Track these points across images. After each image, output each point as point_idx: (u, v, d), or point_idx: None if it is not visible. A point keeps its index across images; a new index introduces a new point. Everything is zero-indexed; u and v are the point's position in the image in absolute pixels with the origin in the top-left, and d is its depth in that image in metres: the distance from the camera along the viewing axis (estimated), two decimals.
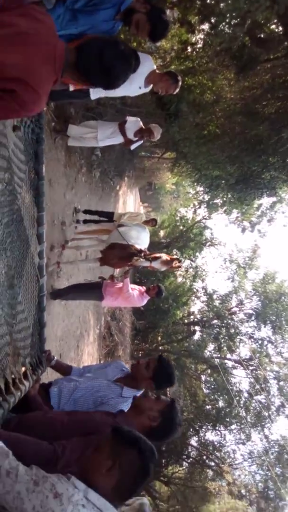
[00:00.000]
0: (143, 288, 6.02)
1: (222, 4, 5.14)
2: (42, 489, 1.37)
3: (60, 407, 2.46)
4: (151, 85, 4.15)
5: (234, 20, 5.38)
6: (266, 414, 20.13)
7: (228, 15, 4.78)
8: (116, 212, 7.58)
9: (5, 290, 2.21)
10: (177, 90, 4.29)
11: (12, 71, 1.50)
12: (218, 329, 21.58)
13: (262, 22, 5.78)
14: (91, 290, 5.96)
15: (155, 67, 4.08)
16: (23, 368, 2.40)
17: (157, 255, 6.13)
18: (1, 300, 2.14)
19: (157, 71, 4.11)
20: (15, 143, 2.31)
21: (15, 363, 2.34)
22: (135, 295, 5.77)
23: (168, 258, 6.18)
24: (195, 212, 24.71)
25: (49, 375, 4.00)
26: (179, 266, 6.90)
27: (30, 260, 2.54)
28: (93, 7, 2.56)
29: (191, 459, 21.44)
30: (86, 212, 7.25)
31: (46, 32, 1.62)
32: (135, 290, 5.92)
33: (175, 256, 7.44)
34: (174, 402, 2.20)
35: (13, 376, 2.22)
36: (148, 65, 3.98)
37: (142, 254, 5.75)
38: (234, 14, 4.87)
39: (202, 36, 7.53)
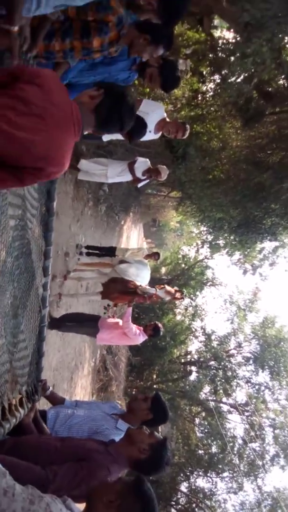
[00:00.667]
0: (140, 327, 5.93)
1: (231, 58, 5.49)
2: (37, 508, 1.39)
3: (54, 430, 2.53)
4: (160, 132, 4.40)
5: (241, 77, 5.74)
6: (260, 463, 19.51)
7: (236, 73, 5.12)
8: (119, 248, 7.74)
9: (9, 319, 2.31)
10: (186, 135, 4.54)
11: (39, 151, 1.58)
12: (215, 371, 21.26)
13: (268, 79, 6.16)
14: (87, 322, 5.88)
15: (165, 115, 4.33)
16: (19, 396, 2.47)
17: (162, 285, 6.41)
18: (5, 329, 2.24)
19: (167, 119, 4.37)
20: None
21: (12, 390, 2.41)
22: (134, 329, 5.68)
23: (172, 290, 6.37)
24: (197, 251, 24.94)
25: (41, 405, 4.02)
26: (182, 298, 7.11)
27: (35, 291, 2.66)
28: (110, 59, 2.74)
29: (180, 506, 20.60)
30: (89, 247, 7.42)
31: (60, 99, 1.69)
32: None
33: (177, 288, 7.60)
34: (166, 440, 2.25)
35: (9, 403, 2.28)
36: (159, 112, 4.24)
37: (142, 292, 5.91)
38: (241, 72, 5.20)
39: (212, 86, 7.96)
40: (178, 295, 6.50)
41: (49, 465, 1.95)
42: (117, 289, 6.00)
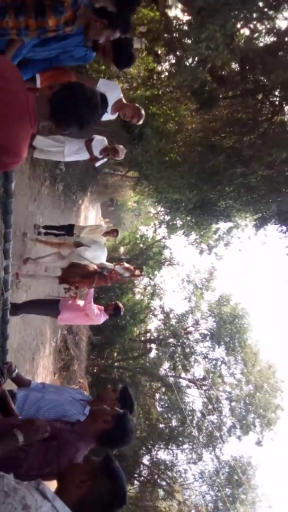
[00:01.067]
0: (101, 307, 5.98)
1: (185, 41, 5.51)
2: (12, 501, 1.39)
3: (23, 412, 2.58)
4: (117, 113, 4.40)
5: (195, 61, 5.78)
6: (218, 434, 20.41)
7: (190, 57, 5.15)
8: (77, 225, 7.70)
9: None
10: (141, 121, 4.56)
11: None
12: (173, 348, 21.80)
13: (222, 64, 6.24)
14: (48, 306, 5.89)
15: (121, 95, 4.32)
16: None
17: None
18: None
19: (123, 99, 4.36)
20: None
21: None
22: (95, 310, 5.71)
23: (131, 267, 6.46)
24: (155, 231, 25.17)
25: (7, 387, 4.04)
26: (141, 275, 7.23)
27: None
28: (64, 34, 2.71)
29: (142, 478, 21.29)
30: (47, 227, 7.33)
31: (15, 89, 1.65)
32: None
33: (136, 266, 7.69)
34: (127, 412, 2.37)
35: None
36: (116, 92, 4.22)
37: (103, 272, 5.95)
38: (195, 56, 5.24)
39: (167, 67, 7.96)
40: (137, 272, 6.60)
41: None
42: (78, 274, 6.03)
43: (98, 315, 5.75)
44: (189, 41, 4.97)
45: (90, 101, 1.80)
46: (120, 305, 5.98)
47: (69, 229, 7.28)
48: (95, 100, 1.82)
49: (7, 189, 2.67)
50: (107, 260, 6.75)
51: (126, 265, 6.41)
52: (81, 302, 5.86)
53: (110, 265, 6.19)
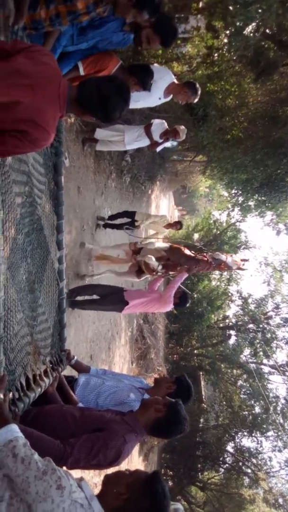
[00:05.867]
0: None
1: (232, 8, 5.14)
2: (48, 479, 1.50)
3: (84, 396, 2.65)
4: (171, 95, 4.28)
5: (249, 28, 5.41)
6: None
7: (240, 23, 4.81)
8: (139, 212, 7.41)
9: (26, 294, 2.39)
10: (197, 99, 4.39)
11: (23, 114, 1.65)
12: (253, 334, 21.25)
13: (284, 26, 5.75)
14: (110, 296, 5.42)
15: (173, 78, 4.19)
16: (44, 366, 2.57)
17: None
18: (22, 303, 2.32)
19: (176, 82, 4.23)
20: (34, 158, 2.49)
21: (36, 361, 2.52)
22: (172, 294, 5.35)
23: (238, 259, 6.10)
24: (229, 215, 24.51)
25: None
26: (245, 269, 6.72)
27: (50, 265, 2.72)
28: (100, 21, 2.69)
29: (227, 465, 21.18)
30: (110, 218, 7.22)
31: (50, 73, 1.78)
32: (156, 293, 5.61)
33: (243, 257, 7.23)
34: (179, 400, 2.30)
35: (34, 373, 2.39)
36: (167, 78, 4.11)
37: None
38: (246, 22, 4.89)
39: (227, 40, 7.57)
40: (242, 265, 6.15)
41: (68, 435, 2.06)
42: (184, 260, 5.72)
43: (170, 301, 5.40)
44: (236, 7, 4.63)
45: (114, 84, 1.84)
46: (188, 293, 5.70)
47: (131, 215, 7.05)
48: (121, 86, 1.86)
49: (57, 182, 2.70)
50: None
51: (235, 257, 6.07)
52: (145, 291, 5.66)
53: (223, 256, 5.85)
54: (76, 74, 2.91)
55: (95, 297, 5.49)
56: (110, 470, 1.95)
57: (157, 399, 2.28)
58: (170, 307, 5.66)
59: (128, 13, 2.43)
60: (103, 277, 6.58)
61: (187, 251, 5.95)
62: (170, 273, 6.03)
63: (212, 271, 6.28)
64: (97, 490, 1.70)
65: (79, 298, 5.46)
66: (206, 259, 5.74)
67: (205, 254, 5.98)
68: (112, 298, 5.33)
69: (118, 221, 7.27)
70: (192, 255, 5.84)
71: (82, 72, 2.91)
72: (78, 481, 1.61)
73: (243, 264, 6.18)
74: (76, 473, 1.85)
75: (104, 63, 2.96)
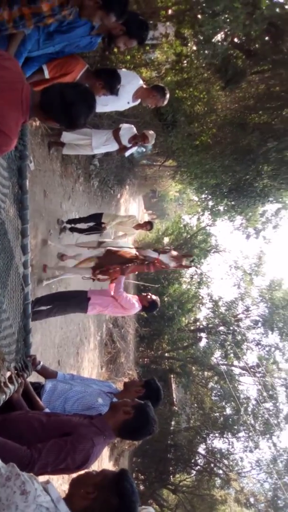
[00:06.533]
0: (135, 296, 5.41)
1: (201, 17, 5.24)
2: (12, 485, 1.46)
3: (51, 402, 2.61)
4: (139, 99, 4.32)
5: (218, 37, 5.52)
6: (274, 421, 20.01)
7: (208, 32, 4.91)
8: (106, 212, 7.17)
9: None
10: (165, 102, 4.45)
11: None
12: (224, 336, 21.55)
13: (252, 36, 5.91)
14: (74, 297, 5.19)
15: (141, 82, 4.23)
16: (8, 373, 2.53)
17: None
18: None
19: (144, 86, 4.27)
20: None
21: (0, 367, 2.47)
22: (127, 297, 5.15)
23: (178, 254, 5.73)
24: (199, 219, 24.82)
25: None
26: (189, 266, 6.39)
27: (15, 270, 2.67)
28: (68, 26, 2.69)
29: (198, 467, 21.34)
30: (70, 222, 6.89)
31: (12, 78, 1.77)
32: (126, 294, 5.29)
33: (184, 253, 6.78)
34: (148, 402, 2.31)
35: None
36: (134, 82, 4.15)
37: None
38: (213, 31, 4.99)
39: (195, 48, 7.70)
40: (185, 262, 5.89)
41: (35, 441, 2.03)
42: (117, 261, 5.49)
43: (132, 304, 5.17)
44: (205, 16, 4.71)
45: (78, 90, 1.86)
46: (158, 301, 5.34)
47: (97, 218, 6.78)
48: (86, 92, 1.88)
49: (21, 185, 2.67)
50: None
51: (174, 253, 5.68)
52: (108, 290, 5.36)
53: (154, 253, 5.61)
54: (41, 77, 2.89)
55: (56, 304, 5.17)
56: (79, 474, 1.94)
57: (126, 401, 2.28)
58: (135, 310, 5.37)
59: (94, 15, 2.42)
60: (70, 280, 6.44)
61: (125, 253, 5.67)
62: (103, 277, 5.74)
63: (152, 271, 5.96)
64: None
65: (42, 308, 5.14)
66: (140, 257, 5.56)
67: (136, 253, 5.72)
68: (75, 300, 5.11)
69: (82, 225, 6.99)
70: (126, 256, 5.59)
71: (47, 75, 2.89)
72: (44, 485, 1.57)
73: (188, 261, 6.01)
74: (45, 478, 1.83)
75: (70, 67, 2.96)
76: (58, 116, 1.84)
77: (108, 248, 5.81)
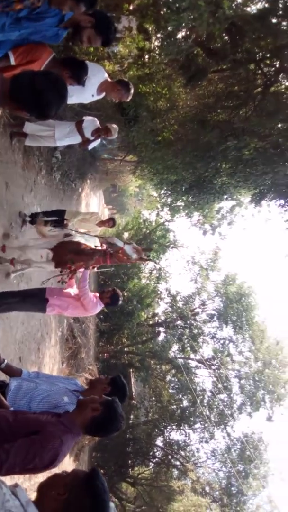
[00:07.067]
0: (96, 294, 5.15)
1: (167, 12, 5.31)
2: None
3: (16, 402, 2.56)
4: (104, 92, 4.29)
5: (181, 33, 5.59)
6: (229, 412, 20.64)
7: (172, 28, 4.97)
8: (69, 210, 6.96)
9: None
10: (130, 97, 4.45)
11: None
12: (181, 330, 21.94)
13: (213, 34, 6.02)
14: (31, 296, 4.93)
15: (106, 76, 4.21)
16: None
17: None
18: None
19: (109, 79, 4.25)
20: None
21: None
22: (91, 296, 4.93)
23: (139, 247, 5.62)
24: (158, 214, 25.02)
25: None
26: (148, 259, 6.34)
27: None
28: (37, 15, 2.64)
29: (156, 459, 21.68)
30: (33, 216, 6.65)
31: None
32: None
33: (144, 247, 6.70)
34: (115, 398, 2.33)
35: None
36: (100, 75, 4.12)
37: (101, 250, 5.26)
38: (177, 27, 5.06)
39: (158, 44, 7.75)
40: (144, 255, 5.77)
41: (2, 440, 1.98)
42: (71, 250, 5.20)
43: (95, 304, 4.97)
44: (170, 12, 4.76)
45: (48, 78, 1.80)
46: (119, 292, 5.19)
47: (60, 214, 6.62)
48: (56, 81, 1.82)
49: None
50: None
51: (136, 245, 5.56)
52: (71, 290, 5.09)
53: (120, 242, 5.38)
54: (6, 63, 2.81)
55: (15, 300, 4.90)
56: (45, 473, 1.91)
57: (94, 398, 2.28)
58: (96, 310, 5.22)
59: (64, 4, 2.38)
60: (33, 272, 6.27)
61: (78, 243, 5.48)
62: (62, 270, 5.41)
63: (114, 263, 5.77)
64: (30, 496, 1.64)
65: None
66: (102, 248, 5.38)
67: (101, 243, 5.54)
68: (32, 300, 4.87)
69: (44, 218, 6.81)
70: (80, 246, 5.38)
71: (13, 62, 2.81)
72: (12, 488, 1.52)
73: (147, 255, 5.92)
74: (8, 480, 1.79)
75: (36, 54, 2.88)
76: (29, 105, 1.78)
77: (60, 240, 5.54)
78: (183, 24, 4.87)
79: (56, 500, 1.55)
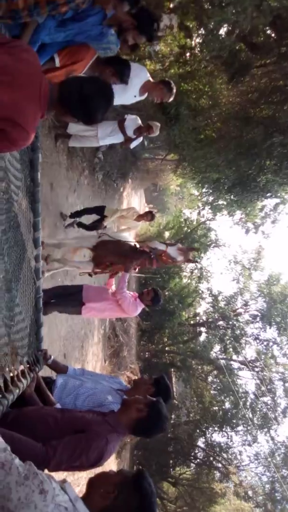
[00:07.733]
0: (135, 295, 5.03)
1: (210, 8, 5.21)
2: (30, 484, 1.44)
3: (62, 399, 2.60)
4: (146, 93, 4.28)
5: (224, 29, 5.48)
6: (272, 415, 20.13)
7: (216, 23, 4.87)
8: (109, 207, 6.90)
9: (3, 293, 2.32)
10: (172, 98, 4.41)
11: (1, 112, 1.61)
12: (223, 330, 21.62)
13: (257, 29, 5.86)
14: (71, 296, 4.83)
15: (148, 76, 4.19)
16: (21, 367, 2.52)
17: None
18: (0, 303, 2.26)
19: (151, 80, 4.23)
20: (11, 153, 2.43)
21: (13, 362, 2.45)
22: (129, 299, 4.79)
23: (185, 248, 5.36)
24: (199, 213, 24.78)
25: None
26: (195, 261, 5.85)
27: (27, 264, 2.66)
28: (81, 15, 2.65)
29: (198, 460, 21.49)
30: (73, 214, 6.64)
31: (30, 71, 1.74)
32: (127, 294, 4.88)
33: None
34: (160, 399, 2.31)
35: (11, 375, 2.33)
36: (142, 75, 4.11)
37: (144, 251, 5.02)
38: (221, 22, 4.96)
39: (200, 41, 7.65)
40: (191, 256, 5.52)
41: (48, 437, 2.02)
42: (111, 251, 5.02)
43: (134, 308, 4.83)
44: (214, 7, 4.67)
45: (97, 84, 1.83)
46: (159, 292, 5.02)
47: (100, 211, 6.55)
48: (104, 87, 1.85)
49: (33, 178, 2.64)
50: None
51: (181, 246, 5.31)
52: (109, 288, 5.03)
53: (162, 245, 5.15)
54: (51, 65, 2.86)
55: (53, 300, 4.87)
56: (92, 471, 1.94)
57: (138, 398, 2.27)
58: (136, 312, 5.08)
59: (108, 3, 2.40)
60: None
61: (121, 243, 5.26)
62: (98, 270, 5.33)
63: (158, 267, 5.55)
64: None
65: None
66: (145, 250, 5.16)
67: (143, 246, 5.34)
68: (70, 301, 4.79)
69: (85, 218, 6.82)
70: (123, 246, 5.19)
71: (58, 63, 2.86)
72: (61, 484, 1.57)
73: (193, 256, 5.67)
74: (57, 475, 1.82)
75: (81, 54, 2.92)
76: (76, 110, 1.82)
77: (102, 239, 5.35)
78: (227, 19, 4.75)
79: (104, 498, 1.59)
